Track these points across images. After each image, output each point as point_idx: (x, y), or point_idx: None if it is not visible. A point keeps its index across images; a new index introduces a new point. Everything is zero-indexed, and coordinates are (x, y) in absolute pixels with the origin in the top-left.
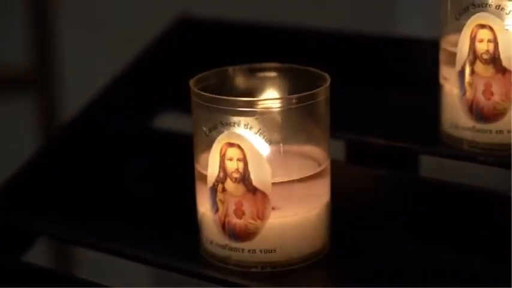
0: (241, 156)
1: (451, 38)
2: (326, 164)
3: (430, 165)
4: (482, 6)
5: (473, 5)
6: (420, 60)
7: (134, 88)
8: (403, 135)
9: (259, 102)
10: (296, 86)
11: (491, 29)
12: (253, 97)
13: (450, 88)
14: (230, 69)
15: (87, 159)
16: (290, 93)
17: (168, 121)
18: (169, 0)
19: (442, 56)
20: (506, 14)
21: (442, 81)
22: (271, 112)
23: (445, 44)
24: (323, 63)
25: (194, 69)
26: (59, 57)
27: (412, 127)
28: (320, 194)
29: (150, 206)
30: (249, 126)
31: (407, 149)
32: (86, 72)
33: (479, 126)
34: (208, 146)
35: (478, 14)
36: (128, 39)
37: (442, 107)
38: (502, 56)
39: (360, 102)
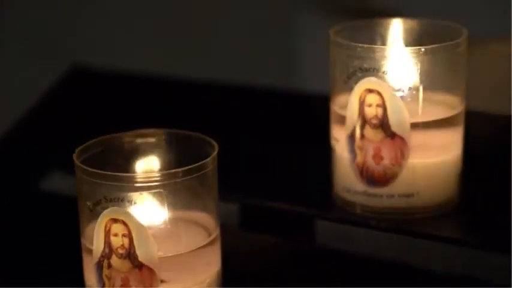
0: (126, 232)
1: (341, 100)
2: (216, 233)
3: (326, 228)
4: (370, 71)
5: (360, 69)
6: (317, 118)
7: (24, 145)
8: (297, 198)
9: (144, 177)
10: (185, 152)
11: (379, 93)
12: (141, 165)
13: (341, 151)
14: (116, 137)
15: None
16: (179, 160)
17: (58, 181)
18: (63, 51)
19: (333, 118)
20: (394, 78)
21: (333, 142)
22: (157, 186)
23: (335, 106)
24: (217, 117)
25: (88, 122)
26: None
27: (308, 189)
28: (211, 263)
29: (39, 275)
30: (133, 202)
31: (299, 213)
32: None
33: (371, 190)
34: (93, 220)
35: (366, 78)
36: (20, 90)
37: (334, 169)
38: (390, 121)
39: (255, 162)
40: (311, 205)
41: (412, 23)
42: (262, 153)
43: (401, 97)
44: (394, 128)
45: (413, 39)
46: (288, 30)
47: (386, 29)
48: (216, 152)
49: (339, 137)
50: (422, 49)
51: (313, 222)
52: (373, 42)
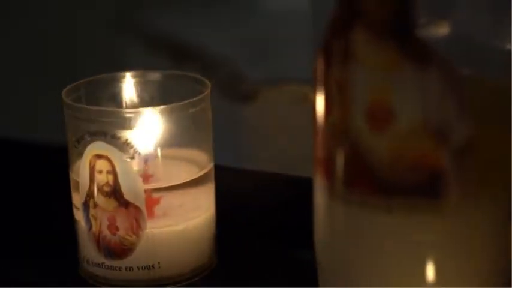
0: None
1: (75, 166)
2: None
3: None
4: (98, 135)
5: (89, 133)
6: None
7: None
8: (47, 267)
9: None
10: None
11: (109, 159)
12: None
13: (80, 219)
14: None
15: None
16: None
17: None
18: None
19: (71, 184)
20: (123, 143)
21: (74, 210)
22: None
23: (71, 172)
24: None
25: None
26: None
27: (59, 258)
28: None
29: None
30: None
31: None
32: None
33: (109, 262)
34: None
35: (94, 143)
36: None
37: (77, 238)
38: (122, 189)
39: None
40: (58, 278)
41: (156, 75)
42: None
43: (137, 161)
44: (127, 196)
45: (157, 94)
46: None
47: (127, 84)
48: None
49: (77, 204)
50: (158, 109)
51: None
52: (114, 99)
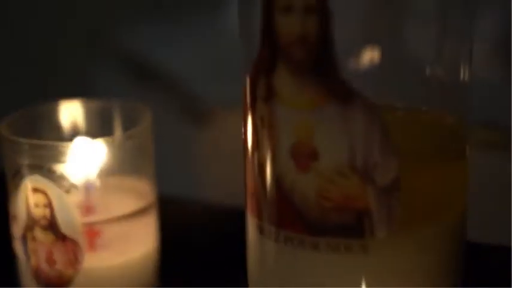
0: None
1: (12, 198)
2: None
3: None
4: (35, 169)
5: (25, 166)
6: None
7: None
8: None
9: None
10: None
11: (45, 193)
12: None
13: (19, 251)
14: None
15: None
16: None
17: None
18: None
19: (11, 216)
20: (59, 176)
21: (14, 242)
22: None
23: (10, 204)
24: None
25: None
26: None
27: None
28: None
29: None
30: None
31: None
32: None
33: None
34: None
35: (30, 176)
36: None
37: (18, 270)
38: (59, 222)
39: None
40: None
41: (96, 104)
42: None
43: (75, 194)
44: (65, 229)
45: (98, 123)
46: None
47: (68, 113)
48: None
49: (16, 236)
50: (96, 140)
51: None
52: (54, 129)
